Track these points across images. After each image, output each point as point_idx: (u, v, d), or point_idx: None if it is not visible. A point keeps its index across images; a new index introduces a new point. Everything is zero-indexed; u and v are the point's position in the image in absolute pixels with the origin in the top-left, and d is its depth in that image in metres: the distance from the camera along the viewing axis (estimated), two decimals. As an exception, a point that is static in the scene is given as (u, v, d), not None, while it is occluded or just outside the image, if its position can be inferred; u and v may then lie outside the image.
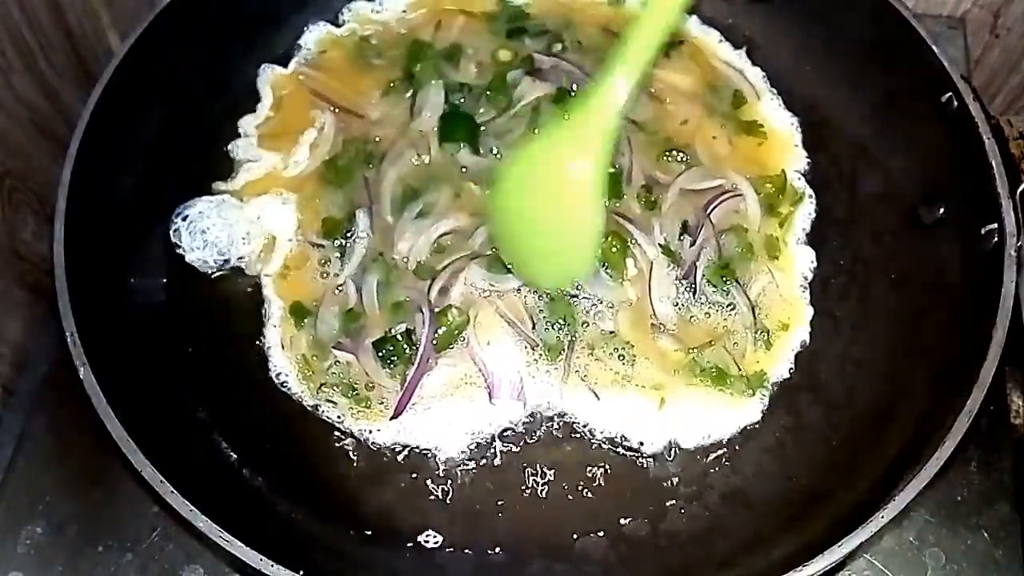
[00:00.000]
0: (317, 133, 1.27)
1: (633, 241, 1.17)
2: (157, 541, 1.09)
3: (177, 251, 1.18)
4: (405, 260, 1.17)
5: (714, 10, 1.42)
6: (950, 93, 1.15)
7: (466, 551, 1.03)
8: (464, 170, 1.23)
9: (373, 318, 1.13)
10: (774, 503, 1.07)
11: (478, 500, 1.06)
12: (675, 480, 1.08)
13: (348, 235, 1.18)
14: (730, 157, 1.27)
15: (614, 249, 1.15)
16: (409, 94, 1.29)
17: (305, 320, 1.14)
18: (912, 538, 1.10)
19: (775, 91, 1.35)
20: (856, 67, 1.31)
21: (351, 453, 1.09)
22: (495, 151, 1.24)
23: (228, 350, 1.15)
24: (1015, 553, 1.09)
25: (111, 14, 1.39)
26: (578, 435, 1.10)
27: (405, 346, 1.10)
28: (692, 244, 1.18)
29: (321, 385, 1.10)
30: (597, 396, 1.10)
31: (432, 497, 1.06)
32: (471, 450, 1.09)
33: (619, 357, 1.12)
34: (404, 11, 1.41)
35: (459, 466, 1.08)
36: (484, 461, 1.08)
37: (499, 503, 1.06)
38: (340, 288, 1.16)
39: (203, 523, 0.89)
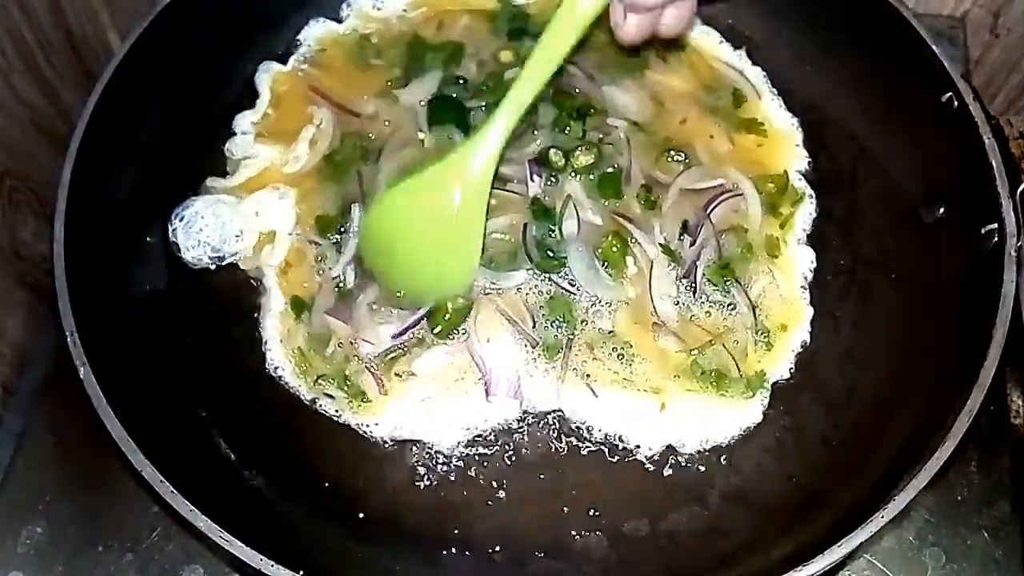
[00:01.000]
0: (316, 129, 1.28)
1: (633, 240, 1.17)
2: (157, 541, 1.09)
3: (174, 249, 1.19)
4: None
5: (713, 10, 1.41)
6: (950, 93, 1.15)
7: (466, 550, 1.03)
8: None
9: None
10: (774, 503, 1.07)
11: (476, 498, 1.06)
12: (675, 480, 1.08)
13: (343, 230, 1.18)
14: (731, 157, 1.27)
15: (614, 249, 1.15)
16: (404, 87, 1.30)
17: (303, 314, 1.14)
18: (912, 538, 1.10)
19: (775, 91, 1.35)
20: (856, 67, 1.31)
21: (349, 450, 1.09)
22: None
23: (228, 349, 1.15)
24: (1015, 553, 1.09)
25: (111, 14, 1.39)
26: (575, 435, 1.10)
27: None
28: (692, 244, 1.18)
29: (318, 378, 1.10)
30: (595, 394, 1.10)
31: (431, 496, 1.06)
32: (467, 446, 1.09)
33: (618, 356, 1.12)
34: (404, 10, 1.41)
35: (455, 463, 1.08)
36: (481, 458, 1.08)
37: (497, 502, 1.06)
38: (336, 279, 1.16)
39: (203, 523, 0.89)
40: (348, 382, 1.10)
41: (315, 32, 1.38)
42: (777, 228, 1.22)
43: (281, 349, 1.13)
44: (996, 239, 1.06)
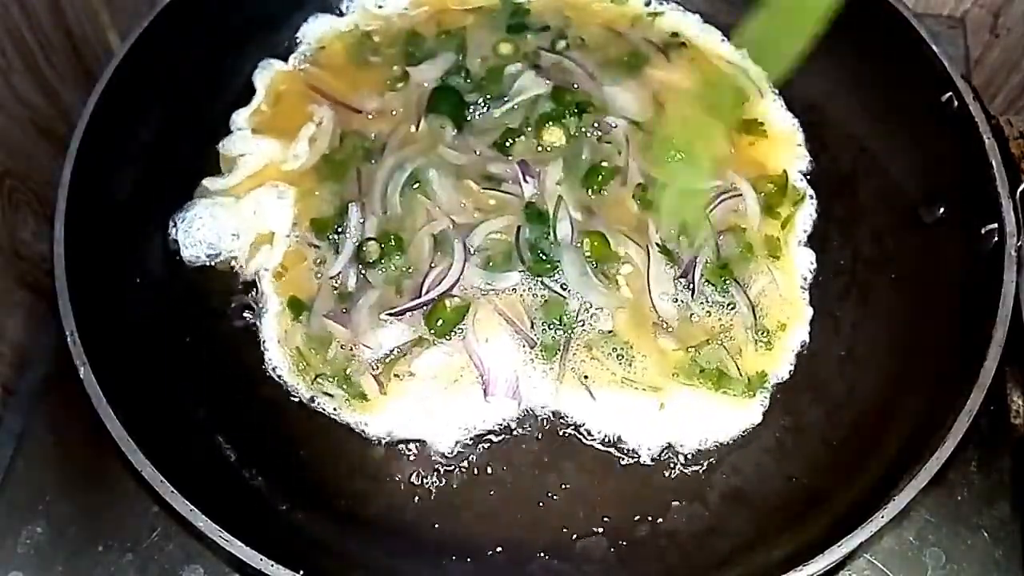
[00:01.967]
0: (316, 127, 1.28)
1: (627, 239, 1.17)
2: (157, 541, 1.09)
3: (174, 249, 1.19)
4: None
5: (715, 9, 1.42)
6: (950, 93, 1.15)
7: (466, 550, 1.03)
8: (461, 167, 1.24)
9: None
10: (774, 503, 1.07)
11: (476, 498, 1.06)
12: (675, 480, 1.07)
13: (340, 231, 1.18)
14: (731, 157, 1.27)
15: (596, 244, 1.16)
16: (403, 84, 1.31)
17: (301, 315, 1.14)
18: (912, 538, 1.10)
19: (776, 91, 1.35)
20: (856, 67, 1.31)
21: (348, 449, 1.09)
22: (478, 150, 1.25)
23: (228, 349, 1.15)
24: (1015, 553, 1.09)
25: (111, 14, 1.39)
26: (573, 435, 1.10)
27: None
28: (690, 244, 1.18)
29: (316, 377, 1.10)
30: (593, 396, 1.10)
31: (430, 495, 1.06)
32: (465, 446, 1.09)
33: (617, 357, 1.12)
34: (406, 8, 1.41)
35: (454, 463, 1.08)
36: (479, 458, 1.08)
37: (497, 501, 1.06)
38: (335, 280, 1.16)
39: (203, 523, 0.89)
40: (348, 381, 1.10)
41: (315, 30, 1.39)
42: (778, 228, 1.22)
43: (279, 349, 1.13)
44: (996, 239, 1.06)
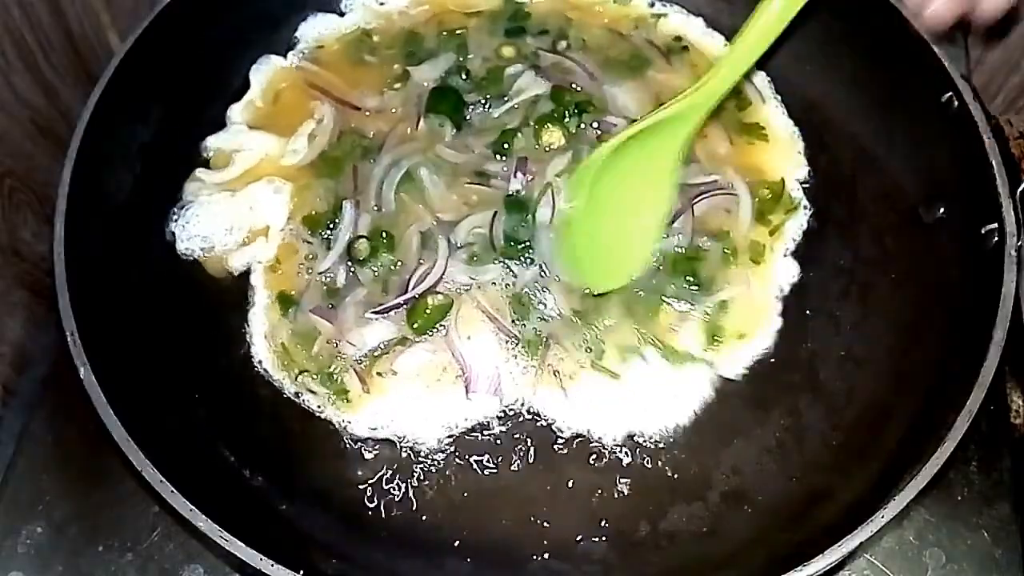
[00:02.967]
0: (316, 124, 1.28)
1: None
2: (157, 541, 1.09)
3: (173, 248, 1.19)
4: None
5: (715, 11, 1.42)
6: (950, 93, 1.15)
7: (465, 549, 1.03)
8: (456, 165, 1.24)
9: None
10: (774, 503, 1.07)
11: (472, 497, 1.06)
12: (675, 480, 1.08)
13: (333, 226, 1.19)
14: (730, 160, 1.27)
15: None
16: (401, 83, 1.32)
17: (289, 310, 1.15)
18: (912, 538, 1.10)
19: (778, 97, 1.35)
20: (856, 67, 1.31)
21: (336, 447, 1.09)
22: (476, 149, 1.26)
23: (228, 349, 1.15)
24: (1015, 553, 1.09)
25: (111, 14, 1.39)
26: (553, 431, 1.10)
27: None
28: (667, 224, 1.18)
29: (300, 373, 1.11)
30: (565, 392, 1.10)
31: (421, 495, 1.06)
32: (449, 444, 1.09)
33: (587, 350, 1.13)
34: (406, 7, 1.41)
35: (440, 461, 1.08)
36: (468, 457, 1.09)
37: (488, 500, 1.06)
38: (324, 276, 1.16)
39: (203, 523, 0.89)
40: (331, 379, 1.11)
41: (315, 28, 1.39)
42: (765, 235, 1.22)
43: (265, 345, 1.14)
44: (996, 239, 1.06)
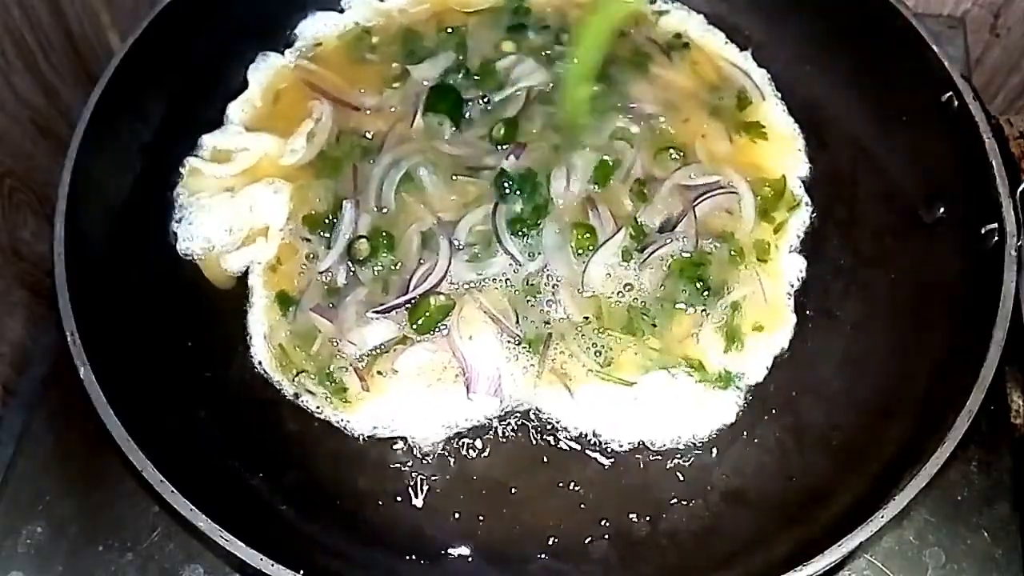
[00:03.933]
0: (314, 124, 1.28)
1: (611, 216, 1.18)
2: (157, 541, 1.09)
3: (173, 248, 1.19)
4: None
5: (714, 10, 1.42)
6: (950, 93, 1.15)
7: (465, 549, 1.03)
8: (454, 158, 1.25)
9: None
10: (774, 503, 1.07)
11: (471, 497, 1.06)
12: (675, 480, 1.07)
13: (333, 227, 1.19)
14: (730, 158, 1.27)
15: (585, 237, 1.17)
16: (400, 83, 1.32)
17: (289, 309, 1.15)
18: (912, 538, 1.10)
19: (779, 95, 1.35)
20: (856, 67, 1.31)
21: (336, 447, 1.09)
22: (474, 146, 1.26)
23: (228, 349, 1.15)
24: (1015, 553, 1.09)
25: (111, 14, 1.39)
26: (555, 432, 1.10)
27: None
28: (670, 229, 1.18)
29: (298, 373, 1.11)
30: (571, 393, 1.10)
31: (421, 495, 1.06)
32: (449, 444, 1.09)
33: (595, 353, 1.12)
34: (406, 5, 1.41)
35: (440, 461, 1.08)
36: (468, 457, 1.08)
37: (489, 500, 1.06)
38: (323, 274, 1.16)
39: (203, 523, 0.89)
40: (329, 379, 1.10)
41: (314, 26, 1.39)
42: (770, 233, 1.22)
43: (264, 344, 1.14)
44: (996, 239, 1.06)
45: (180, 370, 1.12)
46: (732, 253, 1.18)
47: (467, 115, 1.28)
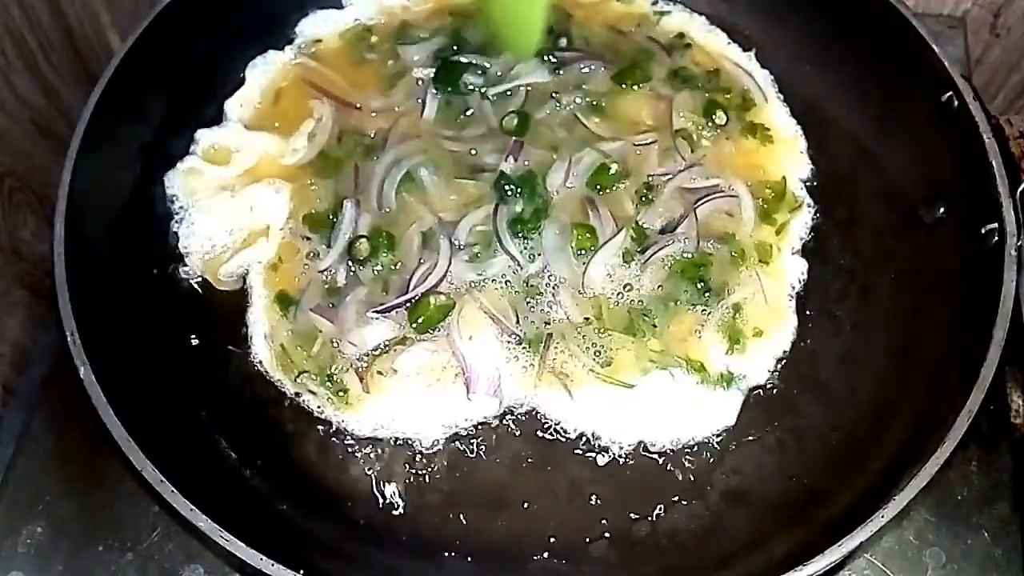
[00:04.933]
0: (315, 123, 1.28)
1: (611, 217, 1.18)
2: (157, 541, 1.09)
3: (173, 247, 1.19)
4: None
5: (714, 10, 1.42)
6: (950, 93, 1.15)
7: (465, 549, 1.03)
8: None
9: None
10: (774, 503, 1.07)
11: (471, 497, 1.06)
12: (675, 480, 1.07)
13: (333, 226, 1.19)
14: (732, 160, 1.27)
15: (589, 242, 1.16)
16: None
17: (289, 309, 1.15)
18: (912, 538, 1.10)
19: (781, 96, 1.35)
20: (856, 67, 1.31)
21: (336, 447, 1.09)
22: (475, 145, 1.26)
23: (228, 348, 1.15)
24: (1015, 553, 1.09)
25: (111, 14, 1.39)
26: (556, 432, 1.10)
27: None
28: (671, 231, 1.18)
29: (299, 374, 1.11)
30: (570, 394, 1.10)
31: (421, 494, 1.06)
32: (449, 444, 1.09)
33: (594, 354, 1.12)
34: (408, 3, 1.41)
35: (440, 460, 1.08)
36: (468, 457, 1.08)
37: (491, 500, 1.06)
38: (325, 274, 1.16)
39: (203, 523, 0.89)
40: (331, 379, 1.10)
41: (315, 24, 1.39)
42: (772, 235, 1.22)
43: (264, 344, 1.14)
44: (996, 239, 1.06)
45: (180, 370, 1.12)
46: (733, 254, 1.18)
47: (470, 112, 1.28)
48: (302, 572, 0.87)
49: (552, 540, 1.04)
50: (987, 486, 1.12)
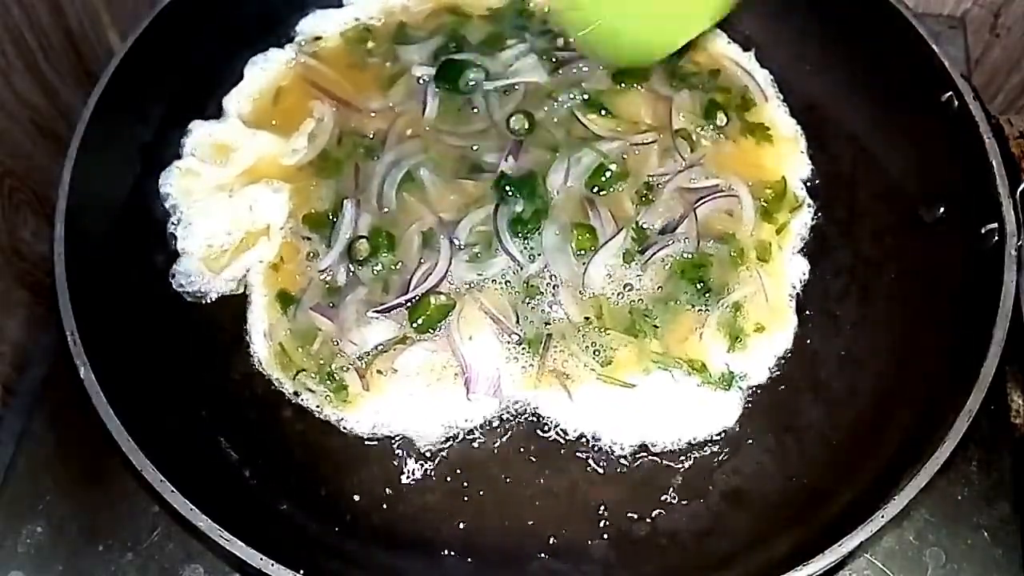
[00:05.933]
0: (316, 124, 1.28)
1: (611, 217, 1.18)
2: (157, 541, 1.09)
3: (173, 247, 1.19)
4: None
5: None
6: (950, 93, 1.15)
7: (465, 549, 1.03)
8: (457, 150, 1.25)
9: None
10: (774, 503, 1.07)
11: (470, 497, 1.06)
12: (675, 480, 1.07)
13: (333, 226, 1.18)
14: (732, 160, 1.27)
15: (589, 243, 1.16)
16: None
17: (289, 308, 1.15)
18: (912, 538, 1.10)
19: (780, 96, 1.34)
20: (856, 67, 1.31)
21: (335, 446, 1.09)
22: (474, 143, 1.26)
23: (228, 348, 1.15)
24: (1015, 553, 1.09)
25: (111, 14, 1.39)
26: (555, 433, 1.10)
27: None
28: (671, 231, 1.18)
29: (298, 372, 1.11)
30: (570, 395, 1.10)
31: (421, 494, 1.06)
32: (448, 443, 1.09)
33: (594, 353, 1.12)
34: (407, 3, 1.41)
35: (439, 460, 1.08)
36: (468, 457, 1.08)
37: (491, 500, 1.06)
38: (324, 274, 1.16)
39: (203, 522, 0.89)
40: (330, 378, 1.10)
41: (315, 23, 1.39)
42: (772, 234, 1.22)
43: (264, 344, 1.14)
44: (996, 239, 1.07)
45: (180, 369, 1.12)
46: (733, 254, 1.18)
47: (476, 109, 1.28)
48: (302, 572, 0.87)
49: (552, 540, 1.04)
50: (987, 486, 1.12)
